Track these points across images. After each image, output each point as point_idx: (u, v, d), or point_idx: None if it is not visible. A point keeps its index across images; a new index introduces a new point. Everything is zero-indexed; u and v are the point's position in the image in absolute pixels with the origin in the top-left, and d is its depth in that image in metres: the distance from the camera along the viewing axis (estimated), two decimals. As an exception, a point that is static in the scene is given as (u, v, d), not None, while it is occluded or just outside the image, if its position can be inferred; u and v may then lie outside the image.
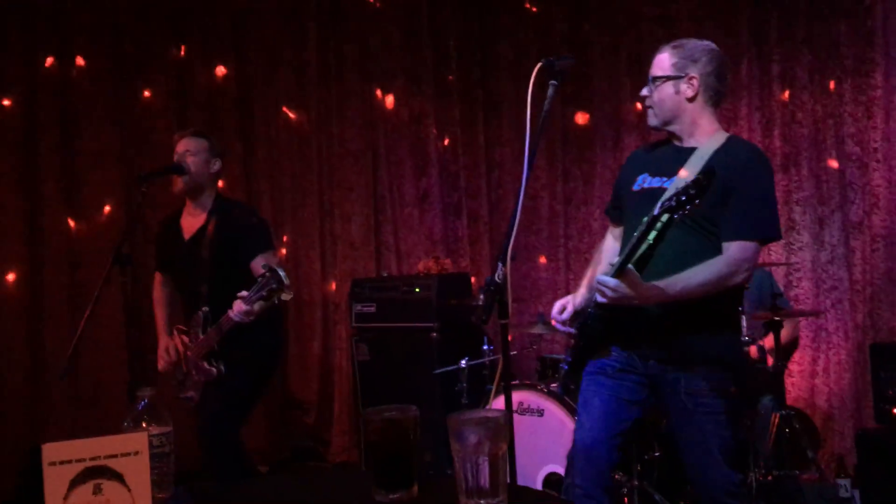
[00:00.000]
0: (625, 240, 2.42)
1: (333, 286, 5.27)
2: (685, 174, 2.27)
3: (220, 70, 5.11)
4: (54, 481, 1.16)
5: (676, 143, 2.41)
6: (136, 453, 1.21)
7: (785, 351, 4.14)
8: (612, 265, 2.23)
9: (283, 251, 5.23)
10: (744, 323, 3.54)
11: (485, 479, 1.39)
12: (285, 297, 2.84)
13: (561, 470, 3.40)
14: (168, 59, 4.98)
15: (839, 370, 4.30)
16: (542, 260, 5.35)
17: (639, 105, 4.98)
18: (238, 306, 2.94)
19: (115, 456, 1.20)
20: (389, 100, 5.37)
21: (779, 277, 4.33)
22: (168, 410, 1.44)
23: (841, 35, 4.23)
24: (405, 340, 4.54)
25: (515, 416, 3.72)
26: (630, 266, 2.14)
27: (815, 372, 4.39)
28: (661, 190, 2.31)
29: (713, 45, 2.41)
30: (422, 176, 5.42)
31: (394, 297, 4.64)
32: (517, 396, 3.78)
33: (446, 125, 5.47)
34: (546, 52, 5.18)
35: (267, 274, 2.82)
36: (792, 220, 4.45)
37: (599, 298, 2.24)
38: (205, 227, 3.34)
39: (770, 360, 3.72)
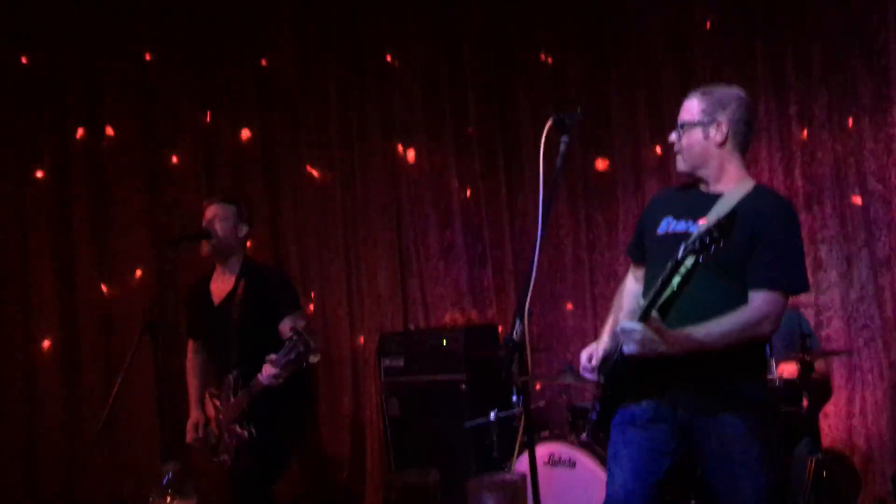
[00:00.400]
0: (648, 283, 2.41)
1: (362, 341, 5.30)
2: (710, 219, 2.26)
3: (245, 133, 5.25)
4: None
5: (703, 187, 2.42)
6: (160, 529, 1.24)
7: (820, 393, 4.07)
8: (636, 311, 2.21)
9: (311, 308, 5.29)
10: (773, 366, 3.52)
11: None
12: (313, 359, 2.88)
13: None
14: (194, 124, 5.13)
15: (876, 410, 4.22)
16: (569, 307, 5.34)
17: (658, 149, 5.01)
18: (267, 370, 2.98)
19: (139, 533, 1.22)
20: (411, 154, 5.45)
21: (809, 318, 4.29)
22: (194, 481, 1.47)
23: (856, 73, 4.25)
24: (435, 393, 4.55)
25: (547, 468, 3.71)
26: (654, 313, 2.14)
27: (851, 413, 4.31)
28: (686, 234, 2.27)
29: (742, 92, 2.42)
30: (445, 228, 5.46)
31: (422, 351, 4.67)
32: (548, 448, 3.75)
33: (467, 177, 5.52)
34: (563, 100, 5.28)
35: (294, 338, 2.87)
36: (818, 259, 4.41)
37: (625, 348, 2.23)
38: (234, 290, 3.40)
39: (805, 402, 3.66)
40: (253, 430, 3.21)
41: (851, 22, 4.29)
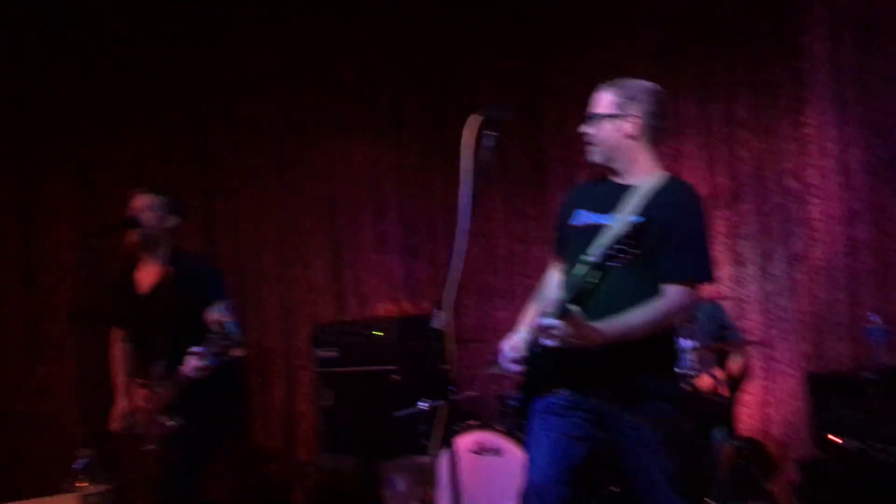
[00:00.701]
0: (566, 276, 2.48)
1: (296, 332, 5.30)
2: (623, 214, 2.32)
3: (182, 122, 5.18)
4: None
5: (617, 179, 2.46)
6: (69, 514, 1.25)
7: (737, 382, 4.23)
8: (554, 307, 2.27)
9: (244, 299, 5.26)
10: (692, 356, 3.64)
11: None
12: (237, 353, 2.88)
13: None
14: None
15: (790, 399, 4.38)
16: (501, 299, 5.42)
17: (590, 146, 5.11)
18: (190, 362, 2.97)
19: (47, 518, 1.23)
20: (347, 146, 5.46)
21: (729, 310, 4.44)
22: (111, 467, 1.47)
23: (777, 75, 4.41)
24: (367, 384, 4.58)
25: (475, 456, 3.79)
26: (573, 307, 2.19)
27: (767, 402, 4.48)
28: (601, 227, 2.36)
29: (654, 85, 2.47)
30: (381, 220, 5.49)
31: (355, 341, 4.69)
32: (476, 437, 3.83)
33: (403, 169, 5.56)
34: (500, 95, 5.34)
35: (218, 331, 2.86)
36: (739, 254, 4.57)
37: (544, 341, 2.27)
38: (160, 280, 3.37)
39: (722, 391, 3.81)
40: (181, 421, 3.20)
41: (774, 24, 4.44)
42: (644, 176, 2.42)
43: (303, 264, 5.34)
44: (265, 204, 5.34)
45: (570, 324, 2.18)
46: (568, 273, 2.45)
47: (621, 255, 2.09)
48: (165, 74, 5.17)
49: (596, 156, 2.47)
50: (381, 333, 4.63)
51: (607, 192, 2.46)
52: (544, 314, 2.29)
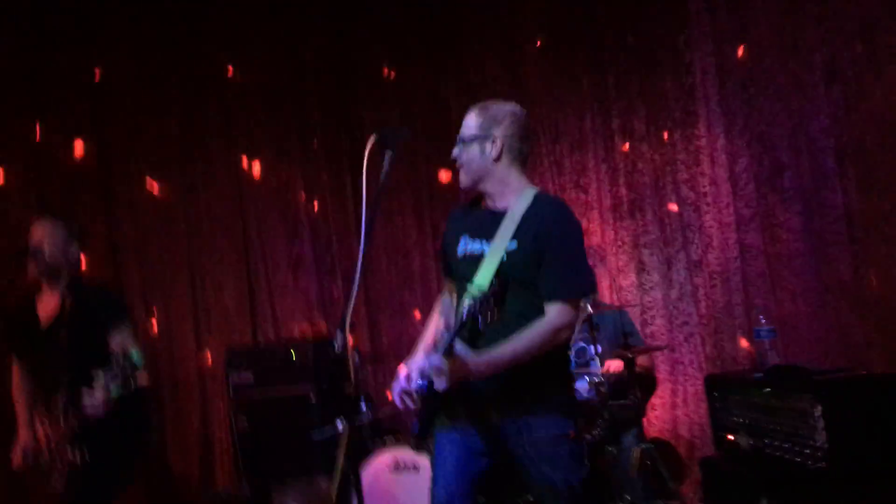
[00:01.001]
0: (458, 304, 2.52)
1: (209, 357, 5.21)
2: (499, 241, 2.38)
3: (79, 145, 5.05)
4: None
5: (490, 203, 2.51)
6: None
7: (645, 388, 4.37)
8: (441, 345, 2.28)
9: (155, 326, 5.16)
10: (597, 363, 3.76)
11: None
12: (141, 381, 2.83)
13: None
14: (24, 137, 4.88)
15: (696, 400, 4.55)
16: (418, 316, 5.46)
17: (497, 161, 5.22)
18: (93, 397, 2.91)
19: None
20: (256, 167, 5.42)
21: (635, 316, 4.59)
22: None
23: (668, 90, 4.59)
24: (284, 407, 4.53)
25: (393, 474, 3.81)
26: (458, 345, 2.21)
27: (675, 403, 4.64)
28: (481, 256, 2.42)
29: (516, 107, 2.51)
30: (293, 240, 5.46)
31: (271, 364, 4.64)
32: (392, 454, 3.85)
33: (315, 189, 5.55)
34: (406, 114, 5.42)
35: (120, 360, 2.81)
36: (642, 262, 4.74)
37: (435, 383, 2.26)
38: (60, 312, 3.29)
39: (631, 395, 3.90)
40: (86, 452, 3.12)
41: (663, 42, 4.64)
42: (514, 197, 2.45)
43: (214, 287, 5.26)
44: (172, 227, 5.24)
45: (456, 364, 2.21)
46: (457, 301, 2.49)
47: (484, 313, 2.15)
48: (60, 93, 5.02)
49: (464, 179, 2.50)
50: (296, 355, 4.59)
51: (484, 218, 2.50)
52: (432, 353, 2.32)
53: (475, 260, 2.42)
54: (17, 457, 3.30)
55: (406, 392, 2.43)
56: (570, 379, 2.54)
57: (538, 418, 2.38)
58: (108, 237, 5.08)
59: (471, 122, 2.48)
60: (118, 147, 5.15)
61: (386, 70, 5.58)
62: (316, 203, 5.57)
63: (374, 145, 2.44)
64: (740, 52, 4.31)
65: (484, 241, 2.45)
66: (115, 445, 3.24)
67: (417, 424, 2.47)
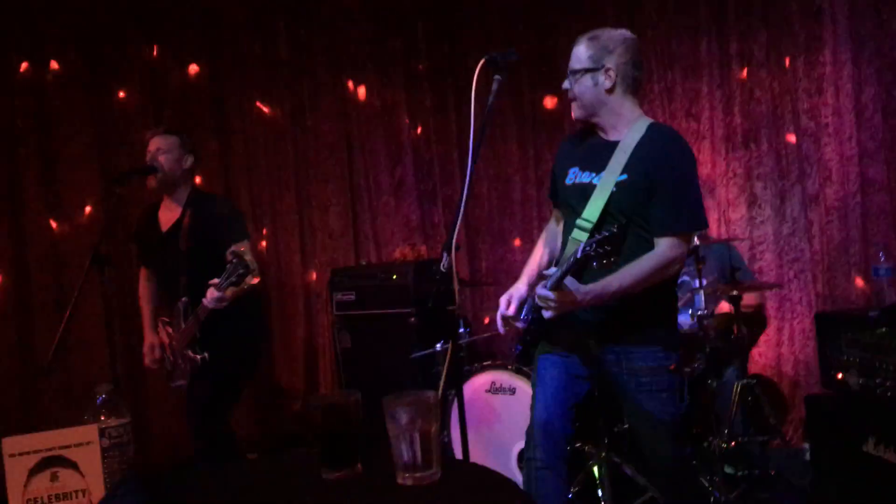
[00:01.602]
0: (564, 233, 2.51)
1: (314, 276, 5.40)
2: (610, 173, 2.35)
3: (193, 68, 5.20)
4: (15, 471, 1.29)
5: (602, 135, 2.47)
6: (89, 443, 1.34)
7: (751, 322, 4.27)
8: (550, 275, 2.28)
9: (264, 243, 5.36)
10: (702, 297, 3.68)
11: (418, 455, 1.51)
12: (252, 280, 2.97)
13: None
14: (141, 60, 5.07)
15: (803, 339, 4.43)
16: (517, 243, 5.47)
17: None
18: (210, 293, 3.07)
19: (69, 446, 1.33)
20: (361, 91, 5.47)
21: (743, 251, 4.45)
22: (128, 403, 1.57)
23: (792, 13, 4.32)
24: (384, 326, 4.66)
25: (488, 395, 3.89)
26: (567, 279, 2.20)
27: (780, 341, 4.52)
28: (591, 186, 2.40)
29: (628, 34, 2.45)
30: (396, 165, 5.53)
31: (372, 285, 4.76)
32: (490, 376, 3.92)
33: (418, 114, 5.57)
34: (512, 37, 5.31)
35: (234, 260, 2.93)
36: (754, 194, 4.56)
37: (544, 313, 2.30)
38: (181, 219, 3.46)
39: (737, 330, 3.83)
40: (206, 356, 3.30)
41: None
42: (626, 128, 2.41)
43: (320, 209, 5.41)
44: (281, 149, 5.38)
45: (565, 295, 2.22)
46: (566, 229, 2.48)
47: (598, 258, 2.10)
48: (175, 17, 5.15)
49: (578, 112, 2.46)
50: (397, 277, 4.69)
51: (595, 148, 2.47)
52: (542, 281, 2.33)
53: (584, 191, 2.40)
54: (146, 356, 3.57)
55: (508, 318, 2.47)
56: (674, 312, 2.52)
57: (639, 348, 2.39)
58: (220, 158, 5.26)
59: (581, 52, 2.43)
60: (229, 71, 5.29)
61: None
62: (419, 127, 5.60)
63: (482, 69, 2.41)
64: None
65: (593, 174, 2.42)
66: (235, 350, 3.42)
67: (520, 348, 2.52)
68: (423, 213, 5.57)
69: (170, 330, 3.48)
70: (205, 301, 3.11)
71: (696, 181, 2.42)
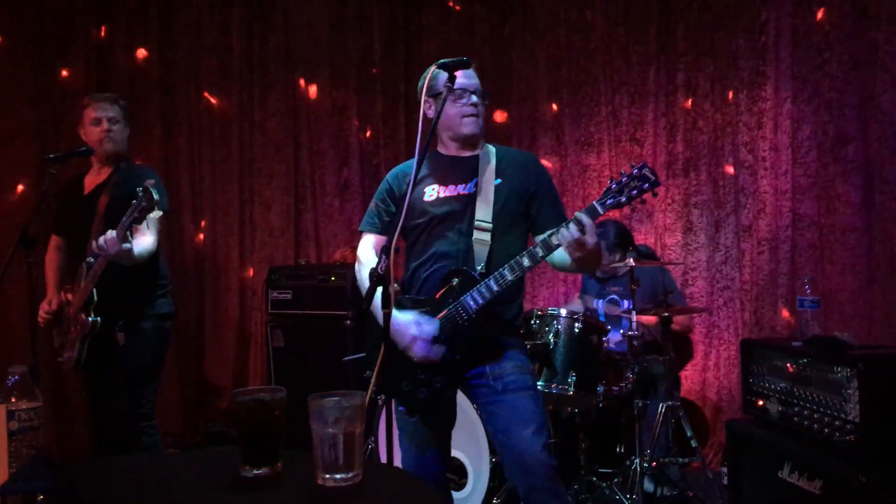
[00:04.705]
0: (433, 245, 2.51)
1: (251, 272, 5.32)
2: (485, 179, 2.48)
3: (142, 52, 5.10)
4: (-83, 450, 1.23)
5: (465, 152, 2.57)
6: (-4, 425, 1.29)
7: (681, 353, 4.35)
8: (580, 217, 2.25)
9: (202, 236, 5.27)
10: (633, 318, 3.74)
11: (340, 456, 1.49)
12: (155, 214, 2.89)
13: (462, 456, 3.54)
14: (89, 40, 4.94)
15: (728, 365, 4.54)
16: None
17: (554, 106, 5.16)
18: (102, 238, 2.90)
19: (-26, 428, 1.27)
20: (312, 90, 5.43)
21: (676, 276, 4.55)
22: (38, 388, 1.51)
23: (739, 48, 4.45)
24: (320, 328, 4.62)
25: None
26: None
27: (707, 366, 4.63)
28: (468, 196, 2.48)
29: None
30: (343, 167, 5.50)
31: (310, 285, 4.72)
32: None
33: (369, 117, 5.56)
34: (468, 49, 5.34)
35: (141, 195, 2.79)
36: (690, 221, 4.67)
37: (589, 242, 2.25)
38: (105, 181, 3.37)
39: (664, 352, 3.89)
40: (99, 321, 3.16)
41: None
42: (479, 146, 2.59)
43: (262, 205, 5.34)
44: (226, 142, 5.30)
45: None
46: (435, 242, 2.50)
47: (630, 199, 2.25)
48: (131, 3, 5.06)
49: (476, 128, 2.56)
50: (335, 279, 4.65)
51: (449, 165, 2.57)
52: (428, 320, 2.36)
53: (461, 200, 2.47)
54: (41, 314, 3.36)
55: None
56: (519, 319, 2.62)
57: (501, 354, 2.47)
58: (163, 145, 5.16)
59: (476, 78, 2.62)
60: (180, 59, 5.20)
61: (451, 2, 5.50)
62: (368, 131, 5.58)
63: (432, 74, 2.42)
64: (819, 14, 4.15)
65: (460, 185, 2.51)
66: (152, 330, 3.30)
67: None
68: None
69: (70, 297, 3.34)
70: (98, 242, 2.91)
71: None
